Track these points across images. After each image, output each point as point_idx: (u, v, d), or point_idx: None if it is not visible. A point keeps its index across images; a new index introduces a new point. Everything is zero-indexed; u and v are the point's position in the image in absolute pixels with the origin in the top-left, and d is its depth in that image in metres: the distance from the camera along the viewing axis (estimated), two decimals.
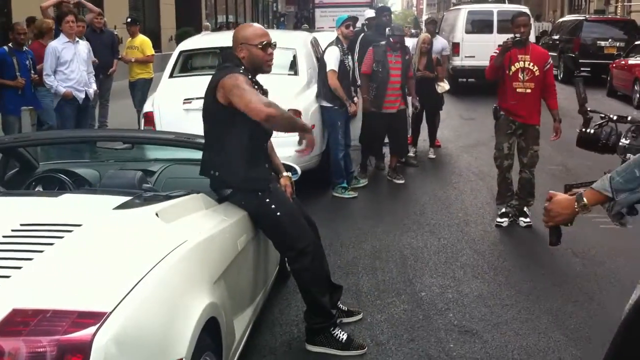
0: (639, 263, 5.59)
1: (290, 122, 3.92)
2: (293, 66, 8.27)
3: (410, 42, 9.47)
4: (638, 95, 14.95)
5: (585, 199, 2.43)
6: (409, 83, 8.70)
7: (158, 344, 2.43)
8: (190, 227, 3.25)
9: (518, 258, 6.02)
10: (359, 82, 9.31)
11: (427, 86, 9.41)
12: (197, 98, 7.42)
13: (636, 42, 17.14)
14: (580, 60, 19.60)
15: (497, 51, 6.54)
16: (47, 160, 5.32)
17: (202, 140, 4.14)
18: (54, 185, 4.43)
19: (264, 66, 3.98)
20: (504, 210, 6.85)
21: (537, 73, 6.49)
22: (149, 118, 7.61)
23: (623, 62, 16.49)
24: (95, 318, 2.22)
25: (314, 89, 8.03)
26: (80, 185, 4.50)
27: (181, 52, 8.52)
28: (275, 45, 4.02)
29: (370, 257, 5.94)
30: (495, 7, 17.86)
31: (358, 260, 5.85)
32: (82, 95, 8.61)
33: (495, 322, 4.55)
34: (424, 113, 9.91)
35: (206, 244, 3.19)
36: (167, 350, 2.46)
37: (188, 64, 8.75)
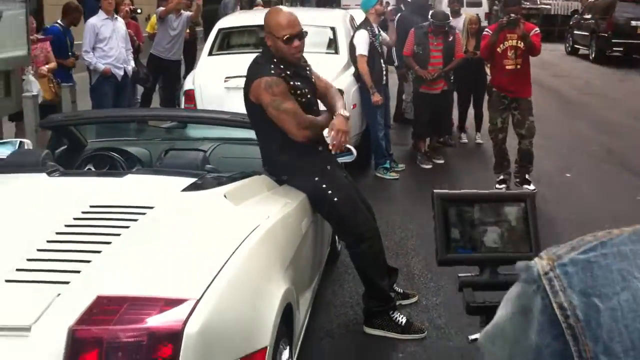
0: None
1: (323, 127, 3.92)
2: (332, 44, 8.16)
3: (458, 22, 9.22)
4: None
5: None
6: (453, 62, 8.44)
7: (243, 332, 2.39)
8: (258, 209, 3.20)
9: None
10: (396, 63, 9.16)
11: (475, 68, 8.95)
12: (237, 76, 7.40)
13: None
14: (613, 40, 19.25)
15: (490, 30, 6.96)
16: (94, 138, 5.28)
17: None
18: (104, 163, 4.40)
19: (290, 59, 3.85)
20: (501, 177, 7.20)
21: (524, 48, 6.76)
22: (190, 96, 7.56)
23: None
24: (185, 305, 2.16)
25: (353, 68, 7.92)
26: (132, 164, 4.45)
27: (220, 30, 8.45)
28: (305, 34, 3.89)
29: (417, 238, 5.87)
30: None
31: (406, 241, 5.78)
32: (121, 73, 8.56)
33: None
34: (472, 97, 9.47)
35: (277, 227, 3.14)
36: (252, 338, 2.41)
37: (226, 42, 8.67)
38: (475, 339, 1.20)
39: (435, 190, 1.31)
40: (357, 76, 7.69)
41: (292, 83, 3.77)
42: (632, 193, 6.81)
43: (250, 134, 4.26)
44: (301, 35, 3.84)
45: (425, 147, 8.61)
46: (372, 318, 4.14)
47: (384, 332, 4.09)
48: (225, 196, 3.11)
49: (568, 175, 7.85)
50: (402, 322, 4.10)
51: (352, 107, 7.46)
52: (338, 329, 4.24)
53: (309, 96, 3.89)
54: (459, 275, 1.28)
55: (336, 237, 5.00)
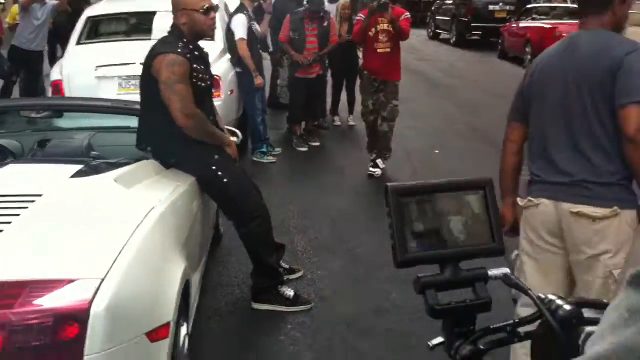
0: None
1: (209, 137, 3.95)
2: None
3: (332, 7, 9.40)
4: (529, 57, 15.60)
5: None
6: (328, 47, 8.60)
7: (147, 308, 2.44)
8: (150, 193, 3.24)
9: None
10: (271, 49, 9.25)
11: (347, 53, 9.10)
12: (109, 65, 7.24)
13: (527, 6, 17.83)
14: (472, 24, 20.21)
15: (362, 15, 7.07)
16: None
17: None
18: None
19: (208, 31, 3.94)
20: (374, 156, 7.38)
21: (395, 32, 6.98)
22: (57, 87, 7.31)
23: (514, 26, 17.15)
24: (89, 285, 2.18)
25: (229, 55, 7.94)
26: (4, 156, 4.31)
27: (89, 18, 8.20)
28: (217, 8, 3.97)
29: (299, 217, 6.03)
30: None
31: (288, 221, 5.93)
32: None
33: None
34: (345, 81, 9.61)
35: (171, 210, 3.19)
36: (157, 314, 2.46)
37: (96, 30, 8.44)
38: (439, 344, 1.19)
39: (388, 184, 1.17)
40: (235, 62, 7.73)
41: (195, 66, 3.81)
42: (495, 164, 7.24)
43: (127, 121, 4.23)
44: (215, 8, 3.95)
45: (301, 131, 8.78)
46: (260, 294, 4.25)
47: (273, 307, 4.22)
48: (116, 181, 3.12)
49: (437, 152, 8.27)
50: (290, 295, 4.24)
51: (229, 93, 7.51)
52: (226, 307, 4.32)
53: (208, 82, 3.97)
54: (419, 276, 1.15)
55: (219, 220, 5.06)
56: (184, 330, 2.87)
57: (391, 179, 7.23)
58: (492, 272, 1.22)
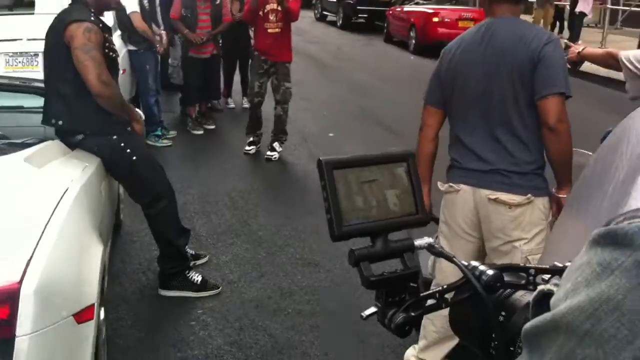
0: None
1: (122, 108, 3.90)
2: None
3: None
4: (414, 41, 16.09)
5: None
6: (222, 25, 8.54)
7: (73, 289, 2.42)
8: (61, 173, 3.18)
9: None
10: (162, 27, 9.08)
11: (239, 33, 8.98)
12: None
13: None
14: (358, 7, 20.54)
15: None
16: None
17: (41, 85, 3.93)
18: None
19: (112, 3, 3.90)
20: (251, 139, 7.57)
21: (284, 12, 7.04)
22: None
23: (399, 9, 17.59)
24: (17, 265, 2.15)
25: (118, 32, 7.74)
26: None
27: None
28: None
29: (199, 202, 6.02)
30: None
31: (189, 205, 5.90)
32: None
33: (334, 254, 4.88)
34: (237, 62, 9.53)
35: (84, 190, 3.14)
36: (82, 295, 2.45)
37: None
38: (372, 314, 1.19)
39: (321, 158, 1.16)
40: (126, 39, 7.53)
41: (107, 36, 3.73)
42: (387, 144, 7.52)
43: (24, 101, 4.09)
44: None
45: (196, 113, 8.70)
46: (168, 280, 4.24)
47: (181, 292, 4.22)
48: (26, 161, 3.03)
49: (331, 134, 8.42)
50: (197, 280, 4.26)
51: (121, 72, 7.32)
52: (133, 295, 4.29)
53: (116, 54, 3.88)
54: (353, 249, 1.17)
55: (119, 206, 4.99)
56: (102, 313, 2.86)
57: (288, 163, 7.34)
58: (418, 242, 1.29)
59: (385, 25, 18.50)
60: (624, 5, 17.95)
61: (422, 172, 3.04)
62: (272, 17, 7.04)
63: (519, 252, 2.85)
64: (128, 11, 7.33)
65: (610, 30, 16.18)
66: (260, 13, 7.03)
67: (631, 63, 2.84)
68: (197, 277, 4.27)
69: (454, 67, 2.92)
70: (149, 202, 4.08)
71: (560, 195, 2.85)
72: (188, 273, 4.26)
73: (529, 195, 2.82)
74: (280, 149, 7.38)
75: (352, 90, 11.45)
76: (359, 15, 20.80)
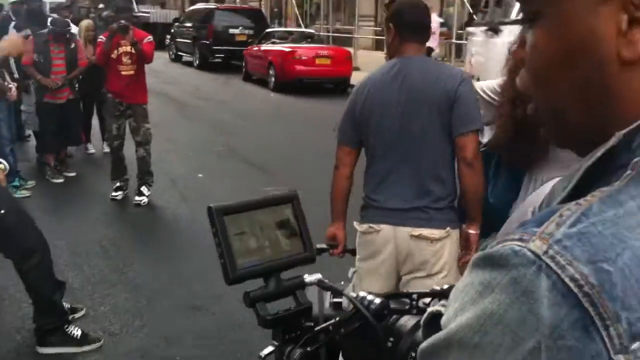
0: None
1: None
2: None
3: (76, 29, 9.04)
4: (273, 79, 16.34)
5: None
6: (77, 70, 8.30)
7: None
8: None
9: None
10: (16, 75, 8.71)
11: (95, 76, 8.58)
12: None
13: (267, 30, 18.68)
14: (214, 47, 20.59)
15: (104, 37, 7.12)
16: None
17: None
18: None
19: None
20: (118, 184, 7.37)
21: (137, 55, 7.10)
22: None
23: (257, 49, 17.82)
24: None
25: None
26: None
27: None
28: None
29: (69, 253, 5.78)
30: None
31: (57, 258, 5.54)
32: None
33: (218, 295, 4.81)
34: (94, 105, 9.27)
35: None
36: None
37: None
38: (270, 353, 1.25)
39: (211, 205, 1.21)
40: None
41: None
42: (257, 183, 7.56)
43: None
44: None
45: (54, 161, 8.37)
46: (46, 337, 4.04)
47: (61, 349, 4.04)
48: None
49: (200, 175, 8.36)
50: (77, 335, 4.09)
51: None
52: (9, 355, 4.06)
53: None
54: (247, 291, 1.20)
55: None
56: None
57: (158, 207, 7.20)
58: (308, 279, 1.36)
59: (244, 64, 18.66)
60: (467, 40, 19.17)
61: (338, 208, 3.11)
62: (125, 60, 7.03)
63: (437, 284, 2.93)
64: None
65: (457, 63, 17.22)
66: (114, 55, 6.99)
67: (485, 93, 3.00)
68: (76, 332, 4.09)
69: (369, 106, 2.94)
70: (20, 258, 3.89)
71: (469, 231, 2.94)
72: (67, 328, 4.08)
73: (448, 228, 2.91)
74: (149, 193, 7.24)
75: (215, 129, 11.45)
76: (216, 55, 20.82)
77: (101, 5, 13.92)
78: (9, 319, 4.48)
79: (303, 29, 21.14)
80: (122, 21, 6.94)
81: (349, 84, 16.20)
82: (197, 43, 21.49)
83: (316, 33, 20.30)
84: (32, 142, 8.82)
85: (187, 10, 29.53)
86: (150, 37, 7.27)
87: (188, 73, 20.45)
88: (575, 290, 0.52)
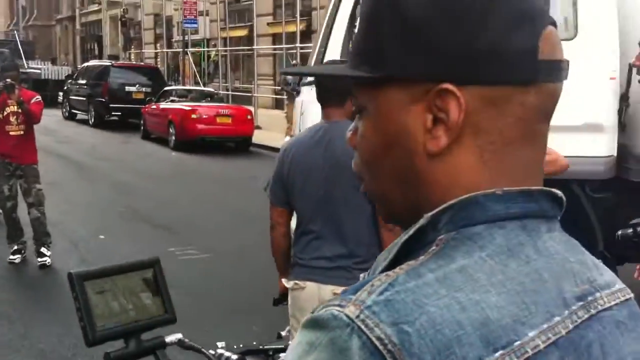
0: None
1: None
2: None
3: None
4: (174, 138, 16.26)
5: None
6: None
7: None
8: None
9: None
10: None
11: None
12: None
13: (165, 88, 18.64)
14: (110, 105, 20.25)
15: None
16: None
17: None
18: None
19: None
20: (15, 247, 7.16)
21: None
22: None
23: (155, 107, 17.67)
24: None
25: None
26: None
27: None
28: None
29: None
30: None
31: None
32: None
33: None
34: None
35: None
36: None
37: None
38: None
39: (71, 271, 1.27)
40: None
41: None
42: (164, 245, 7.50)
43: None
44: None
45: None
46: None
47: None
48: None
49: (102, 237, 8.19)
50: None
51: None
52: None
53: None
54: (108, 352, 1.27)
55: None
56: None
57: (59, 270, 7.00)
58: (169, 338, 1.48)
59: (142, 122, 18.44)
60: None
61: (281, 265, 3.18)
62: (12, 120, 6.90)
63: None
64: None
65: None
66: (1, 116, 6.87)
67: None
68: None
69: (294, 169, 2.99)
70: None
71: None
72: None
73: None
74: (50, 253, 7.03)
75: (115, 189, 11.28)
76: (112, 113, 20.44)
77: None
78: None
79: (203, 88, 21.22)
80: (8, 80, 6.80)
81: (251, 142, 16.39)
82: (92, 101, 21.06)
83: (216, 92, 20.40)
84: None
85: (80, 67, 29.09)
86: (38, 97, 7.17)
87: (83, 131, 20.04)
88: (381, 348, 0.62)
